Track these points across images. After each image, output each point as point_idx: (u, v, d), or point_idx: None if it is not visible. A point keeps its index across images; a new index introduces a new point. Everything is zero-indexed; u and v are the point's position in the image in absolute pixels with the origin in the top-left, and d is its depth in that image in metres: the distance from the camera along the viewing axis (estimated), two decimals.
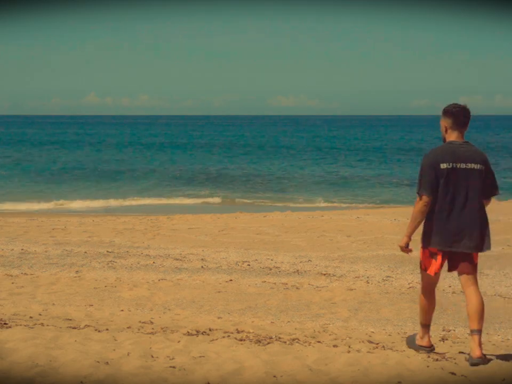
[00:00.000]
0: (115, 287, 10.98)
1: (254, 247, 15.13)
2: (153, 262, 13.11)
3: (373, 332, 8.37)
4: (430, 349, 6.88)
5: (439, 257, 6.34)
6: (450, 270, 6.49)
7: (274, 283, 11.33)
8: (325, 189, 35.51)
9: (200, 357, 6.71)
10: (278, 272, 12.28)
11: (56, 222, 19.62)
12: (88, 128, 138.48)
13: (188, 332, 7.85)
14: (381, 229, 17.84)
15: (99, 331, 7.77)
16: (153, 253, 14.23)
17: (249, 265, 12.97)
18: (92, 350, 6.75)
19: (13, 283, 11.10)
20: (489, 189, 6.39)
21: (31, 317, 8.59)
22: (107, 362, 6.38)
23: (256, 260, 13.52)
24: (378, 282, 11.52)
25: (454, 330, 8.57)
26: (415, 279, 11.74)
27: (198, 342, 7.30)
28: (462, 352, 7.16)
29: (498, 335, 8.38)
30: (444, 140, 6.38)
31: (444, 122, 6.37)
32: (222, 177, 41.59)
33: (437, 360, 6.78)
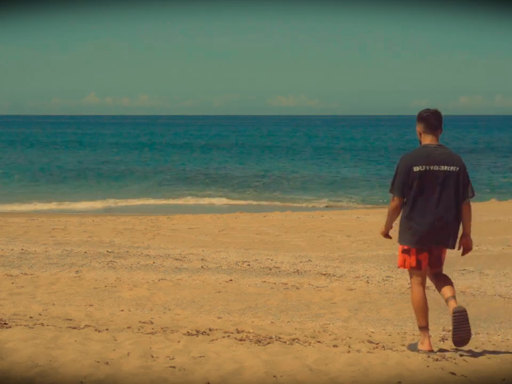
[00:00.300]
0: (115, 287, 10.98)
1: (254, 247, 15.13)
2: (153, 262, 13.11)
3: (373, 332, 8.37)
4: (430, 351, 7.01)
5: (413, 253, 6.66)
6: (417, 267, 6.83)
7: (274, 283, 11.33)
8: (325, 189, 35.51)
9: (200, 357, 6.71)
10: (278, 272, 12.28)
11: (56, 222, 19.62)
12: (88, 128, 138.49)
13: (188, 332, 7.84)
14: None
15: (99, 331, 7.77)
16: (153, 253, 14.23)
17: (249, 265, 12.97)
18: (92, 350, 6.75)
19: (13, 283, 11.10)
20: (464, 191, 6.59)
21: (31, 317, 8.58)
22: (107, 362, 6.37)
23: (256, 259, 13.52)
24: (378, 282, 11.52)
25: None
26: None
27: (198, 342, 7.30)
28: (462, 351, 7.17)
29: (498, 335, 8.38)
30: (420, 144, 6.65)
31: (418, 127, 6.66)
32: (222, 177, 41.59)
33: (437, 360, 6.77)
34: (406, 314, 9.38)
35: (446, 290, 6.72)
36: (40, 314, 8.82)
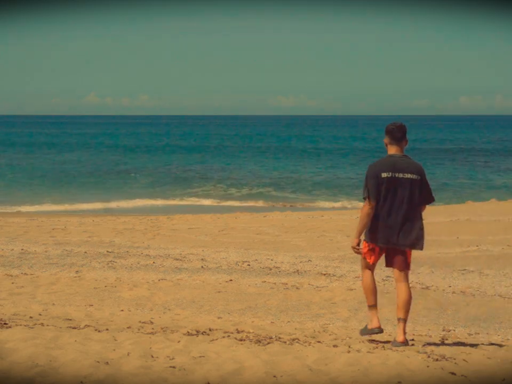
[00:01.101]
0: (115, 287, 10.98)
1: (254, 247, 15.13)
2: (153, 262, 13.11)
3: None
4: (379, 329, 7.40)
5: (377, 251, 7.35)
6: (387, 265, 7.51)
7: (274, 283, 11.33)
8: (324, 189, 35.50)
9: (200, 357, 6.71)
10: (278, 272, 12.28)
11: (56, 222, 19.62)
12: (88, 128, 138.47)
13: (188, 332, 7.84)
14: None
15: (99, 331, 7.77)
16: (153, 253, 14.23)
17: (249, 265, 12.97)
18: (92, 350, 6.75)
19: (13, 283, 11.10)
20: (425, 196, 7.22)
21: (31, 317, 8.58)
22: (107, 362, 6.37)
23: (256, 259, 13.52)
24: (378, 282, 11.50)
25: (454, 330, 8.58)
26: (415, 279, 11.74)
27: (198, 342, 7.30)
28: (462, 345, 7.17)
29: (498, 335, 8.39)
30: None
31: (385, 139, 7.29)
32: (222, 177, 41.59)
33: (437, 360, 6.78)
34: None
35: (400, 308, 7.28)
36: (40, 314, 8.82)
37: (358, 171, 45.00)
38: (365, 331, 7.57)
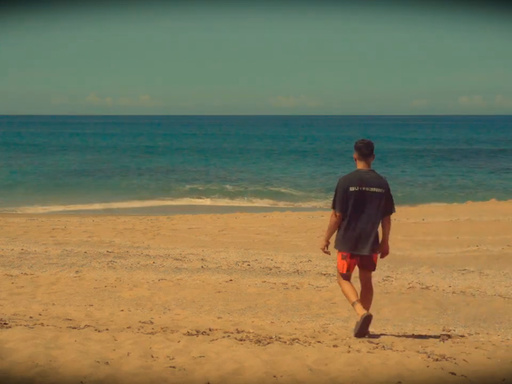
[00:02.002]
0: (115, 287, 10.98)
1: (254, 247, 15.13)
2: (153, 262, 13.11)
3: (373, 332, 8.36)
4: (367, 313, 7.77)
5: (349, 258, 7.87)
6: (359, 266, 7.98)
7: (274, 283, 11.33)
8: (324, 190, 35.51)
9: (200, 357, 6.71)
10: (278, 272, 12.28)
11: (56, 222, 19.62)
12: (88, 128, 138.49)
13: (188, 332, 7.84)
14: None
15: (99, 331, 7.77)
16: (153, 253, 14.23)
17: (249, 265, 12.97)
18: (92, 350, 6.75)
19: (13, 283, 11.10)
20: (388, 208, 7.85)
21: (31, 317, 8.58)
22: (107, 362, 6.37)
23: (256, 259, 13.52)
24: (378, 282, 11.52)
25: (454, 330, 8.58)
26: (415, 279, 11.75)
27: (198, 342, 7.30)
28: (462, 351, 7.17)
29: (498, 335, 8.39)
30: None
31: (354, 155, 7.90)
32: (219, 177, 41.60)
33: (437, 360, 6.78)
34: (406, 314, 9.39)
35: (365, 301, 7.97)
36: (40, 314, 8.82)
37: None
38: (356, 327, 7.90)
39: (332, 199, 7.87)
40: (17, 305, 9.57)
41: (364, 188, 7.72)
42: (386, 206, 7.82)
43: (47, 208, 28.00)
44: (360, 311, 7.78)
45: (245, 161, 53.42)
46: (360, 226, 7.76)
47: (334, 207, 7.82)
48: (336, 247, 7.90)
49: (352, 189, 7.71)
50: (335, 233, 7.97)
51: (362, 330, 7.78)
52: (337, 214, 7.79)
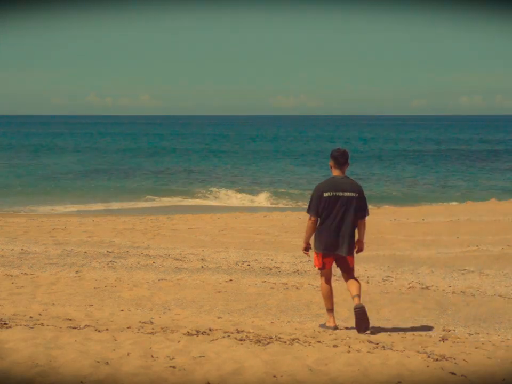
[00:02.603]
0: (115, 287, 10.98)
1: (254, 247, 15.13)
2: (153, 262, 13.11)
3: (373, 332, 8.36)
4: (335, 327, 8.46)
5: (326, 259, 8.44)
6: (337, 266, 8.56)
7: (274, 283, 11.33)
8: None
9: (200, 357, 6.71)
10: (278, 272, 12.28)
11: (56, 222, 19.62)
12: (89, 128, 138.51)
13: (188, 332, 7.84)
14: (381, 229, 17.84)
15: (99, 331, 7.77)
16: (153, 253, 14.23)
17: (249, 265, 12.97)
18: (92, 350, 6.75)
19: (13, 283, 11.09)
20: (362, 211, 8.39)
21: (31, 317, 8.58)
22: (107, 362, 6.37)
23: (256, 259, 13.52)
24: (378, 282, 11.52)
25: (454, 330, 8.57)
26: (415, 279, 11.74)
27: (198, 342, 7.30)
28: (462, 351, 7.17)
29: (498, 335, 8.38)
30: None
31: (330, 162, 8.48)
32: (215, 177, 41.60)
33: (437, 360, 6.78)
34: (406, 314, 9.39)
35: (352, 289, 8.39)
36: (40, 314, 8.82)
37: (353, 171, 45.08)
38: (323, 325, 8.62)
39: (308, 204, 8.46)
40: (17, 305, 9.57)
41: (338, 193, 8.29)
42: (360, 210, 8.36)
43: (57, 209, 27.92)
44: (331, 323, 8.50)
45: (245, 162, 53.42)
46: (335, 228, 8.31)
47: (309, 212, 8.41)
48: (316, 248, 8.45)
49: (326, 194, 8.29)
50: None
51: (324, 327, 8.50)
52: (312, 218, 8.37)
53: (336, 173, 8.43)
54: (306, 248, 8.54)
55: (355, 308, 8.21)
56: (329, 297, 8.52)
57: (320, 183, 8.49)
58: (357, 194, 8.32)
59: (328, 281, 8.53)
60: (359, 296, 8.31)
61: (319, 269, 8.55)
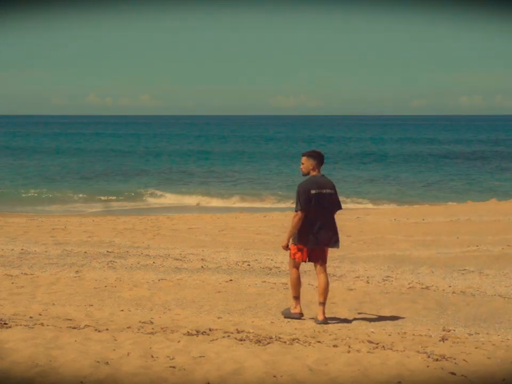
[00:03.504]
0: (115, 287, 10.97)
1: (254, 247, 15.13)
2: (153, 262, 13.11)
3: (373, 332, 8.37)
4: (300, 315, 9.07)
5: (305, 251, 8.99)
6: (310, 261, 9.09)
7: (274, 283, 11.33)
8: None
9: (200, 357, 6.71)
10: (278, 272, 12.28)
11: (56, 222, 19.62)
12: (91, 128, 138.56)
13: (188, 332, 7.84)
14: (381, 229, 17.84)
15: (99, 331, 7.77)
16: (153, 253, 14.23)
17: (249, 265, 12.97)
18: (92, 350, 6.75)
19: (13, 283, 11.09)
20: (337, 205, 9.10)
21: (31, 317, 8.58)
22: (107, 362, 6.37)
23: (256, 259, 13.52)
24: (378, 282, 11.52)
25: (454, 330, 8.57)
26: (415, 279, 11.74)
27: (198, 342, 7.30)
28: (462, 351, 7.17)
29: (498, 335, 8.38)
30: (308, 173, 9.05)
31: (309, 163, 9.04)
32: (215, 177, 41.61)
33: (437, 360, 6.78)
34: (406, 314, 9.39)
35: (321, 293, 9.00)
36: (40, 314, 8.82)
37: (352, 171, 45.05)
38: (286, 312, 9.18)
39: (296, 202, 8.95)
40: (17, 305, 9.57)
41: (321, 190, 8.94)
42: (337, 204, 9.08)
43: (57, 209, 27.96)
44: (297, 308, 9.08)
45: (244, 162, 53.43)
46: (321, 223, 8.91)
47: (297, 208, 8.92)
48: (298, 242, 8.97)
49: (313, 191, 8.89)
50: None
51: (286, 316, 9.12)
52: (300, 215, 8.87)
53: (315, 172, 9.05)
54: (288, 245, 9.04)
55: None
56: (298, 285, 9.10)
57: (303, 182, 9.01)
58: (333, 191, 9.04)
59: (298, 269, 9.13)
60: (324, 305, 8.98)
61: (295, 261, 9.06)
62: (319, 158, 9.07)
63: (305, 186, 8.95)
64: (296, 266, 9.11)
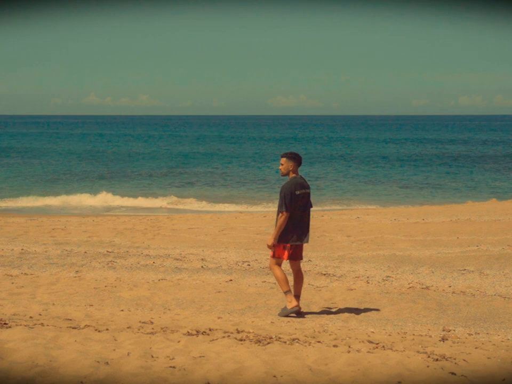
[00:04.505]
0: (115, 287, 10.98)
1: (254, 247, 15.13)
2: (153, 262, 13.11)
3: (373, 332, 8.37)
4: (298, 307, 9.25)
5: (290, 250, 9.31)
6: (292, 258, 9.38)
7: (274, 283, 11.33)
8: (324, 190, 35.52)
9: (200, 357, 6.71)
10: None
11: (56, 222, 19.62)
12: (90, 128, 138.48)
13: (188, 332, 7.84)
14: (381, 229, 17.84)
15: (99, 331, 7.77)
16: (153, 253, 14.23)
17: (249, 265, 12.97)
18: (92, 350, 6.75)
19: (13, 283, 11.10)
20: (311, 204, 9.53)
21: (31, 317, 8.58)
22: (107, 362, 6.37)
23: (256, 259, 13.53)
24: (378, 282, 11.52)
25: (454, 330, 8.58)
26: (415, 279, 11.74)
27: (198, 342, 7.30)
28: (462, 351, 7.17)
29: (498, 335, 8.39)
30: (287, 174, 9.40)
31: (290, 164, 9.38)
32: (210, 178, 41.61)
33: (437, 360, 6.78)
34: (406, 314, 9.39)
35: (297, 288, 9.45)
36: (40, 314, 8.82)
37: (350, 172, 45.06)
38: (284, 311, 9.30)
39: (282, 203, 9.24)
40: (17, 305, 9.57)
41: (305, 190, 9.37)
42: (310, 203, 9.50)
43: (56, 209, 27.97)
44: (293, 301, 9.25)
45: (244, 162, 53.44)
46: (305, 221, 9.35)
47: (283, 208, 9.22)
48: (284, 241, 9.26)
49: (298, 192, 9.29)
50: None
51: (285, 314, 9.24)
52: (286, 214, 9.20)
53: (295, 173, 9.43)
54: (274, 244, 9.31)
55: (294, 308, 9.23)
56: (286, 280, 9.33)
57: (287, 183, 9.37)
58: (309, 190, 9.50)
59: (280, 266, 9.45)
60: (299, 297, 9.42)
61: (276, 259, 9.35)
62: (298, 160, 9.45)
63: (290, 188, 9.29)
64: (279, 264, 9.41)
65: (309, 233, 9.45)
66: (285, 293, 9.31)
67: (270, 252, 9.68)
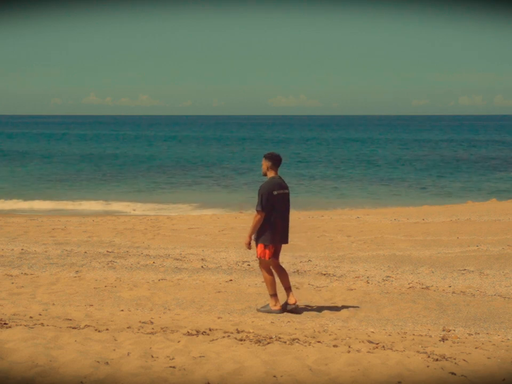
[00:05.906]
0: (115, 287, 10.98)
1: (254, 247, 15.12)
2: (153, 262, 13.11)
3: (373, 332, 8.37)
4: (281, 311, 9.43)
5: (271, 249, 9.45)
6: (272, 257, 9.50)
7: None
8: (323, 190, 35.52)
9: (200, 357, 6.71)
10: None
11: (56, 222, 19.62)
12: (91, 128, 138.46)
13: (188, 332, 7.84)
14: (381, 229, 17.83)
15: (99, 331, 7.77)
16: (153, 253, 14.23)
17: (249, 265, 12.97)
18: (92, 350, 6.75)
19: (13, 283, 11.09)
20: (289, 204, 9.65)
21: (31, 317, 8.58)
22: (107, 362, 6.37)
23: (256, 259, 13.52)
24: (378, 282, 11.52)
25: (454, 330, 8.58)
26: (415, 279, 11.74)
27: (198, 342, 7.30)
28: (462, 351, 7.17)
29: (498, 335, 8.39)
30: (265, 174, 9.56)
31: (267, 164, 9.53)
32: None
33: (437, 360, 6.78)
34: (406, 314, 9.39)
35: (284, 281, 9.57)
36: (40, 314, 8.82)
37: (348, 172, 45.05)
38: (265, 308, 9.52)
39: (258, 202, 9.35)
40: (17, 305, 9.57)
41: (282, 191, 9.47)
42: (289, 203, 9.65)
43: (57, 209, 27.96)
44: (278, 306, 9.44)
45: (243, 162, 53.44)
46: (283, 221, 9.47)
47: (258, 208, 9.35)
48: (264, 241, 9.42)
49: (275, 192, 9.39)
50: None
51: (265, 311, 9.43)
52: (262, 214, 9.34)
53: (273, 173, 9.55)
54: (250, 243, 9.50)
55: (289, 307, 9.37)
56: (273, 283, 9.53)
57: (265, 184, 9.49)
58: (288, 191, 9.63)
59: (269, 267, 9.56)
60: (291, 289, 9.53)
61: (262, 260, 9.48)
62: (274, 160, 9.54)
63: (268, 188, 9.43)
64: (268, 265, 9.54)
65: (287, 234, 9.59)
66: (271, 295, 9.50)
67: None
